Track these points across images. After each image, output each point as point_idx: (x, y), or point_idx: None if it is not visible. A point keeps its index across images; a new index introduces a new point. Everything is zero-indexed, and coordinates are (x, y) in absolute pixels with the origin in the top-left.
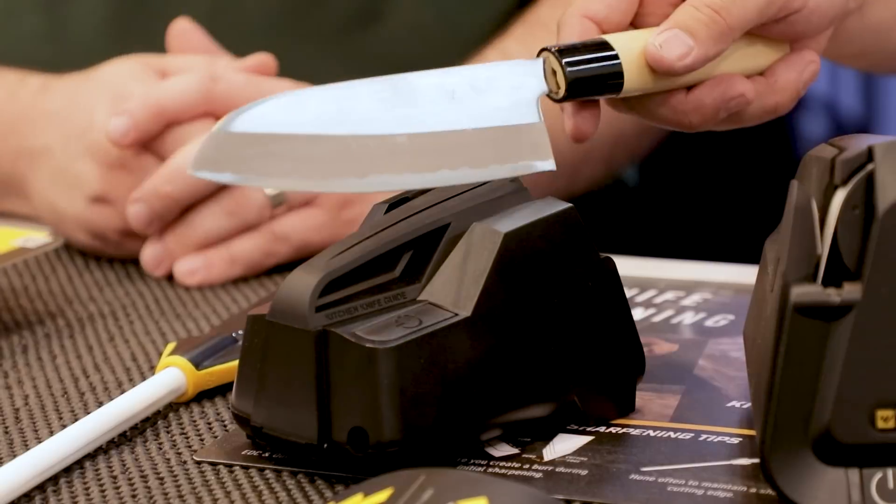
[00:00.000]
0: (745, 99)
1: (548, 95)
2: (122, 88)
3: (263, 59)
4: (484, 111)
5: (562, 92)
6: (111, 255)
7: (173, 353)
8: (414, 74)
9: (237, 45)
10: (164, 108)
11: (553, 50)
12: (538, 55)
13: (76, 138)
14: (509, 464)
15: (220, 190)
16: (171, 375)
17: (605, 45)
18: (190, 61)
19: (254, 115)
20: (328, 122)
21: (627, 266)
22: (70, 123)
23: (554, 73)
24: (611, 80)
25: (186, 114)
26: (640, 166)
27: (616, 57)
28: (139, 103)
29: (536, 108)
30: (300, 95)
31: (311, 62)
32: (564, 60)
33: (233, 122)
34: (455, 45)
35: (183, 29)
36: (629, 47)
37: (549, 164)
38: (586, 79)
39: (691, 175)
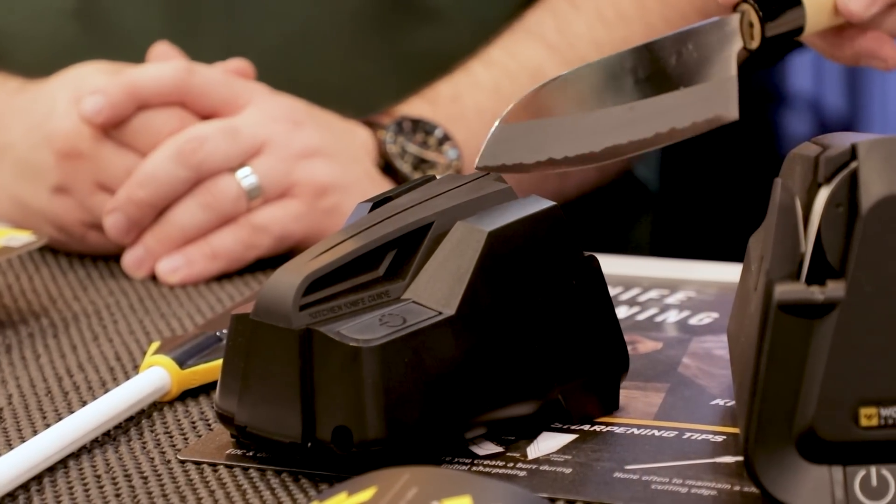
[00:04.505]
0: (884, 65)
1: (744, 46)
2: (84, 82)
3: (242, 63)
4: (690, 72)
5: (755, 44)
6: (77, 251)
7: (157, 352)
8: (636, 47)
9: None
10: (138, 89)
11: (753, 4)
12: (735, 9)
13: (35, 129)
14: (494, 462)
15: (194, 185)
16: (155, 374)
17: None
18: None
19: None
20: (576, 104)
21: (611, 264)
22: (32, 117)
23: (751, 25)
24: (797, 28)
25: (159, 98)
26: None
27: (802, 8)
28: (114, 83)
29: (733, 62)
30: (548, 87)
31: (336, 55)
32: (763, 15)
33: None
34: (475, 36)
35: (162, 52)
36: None
37: (734, 115)
38: (779, 32)
39: (675, 173)
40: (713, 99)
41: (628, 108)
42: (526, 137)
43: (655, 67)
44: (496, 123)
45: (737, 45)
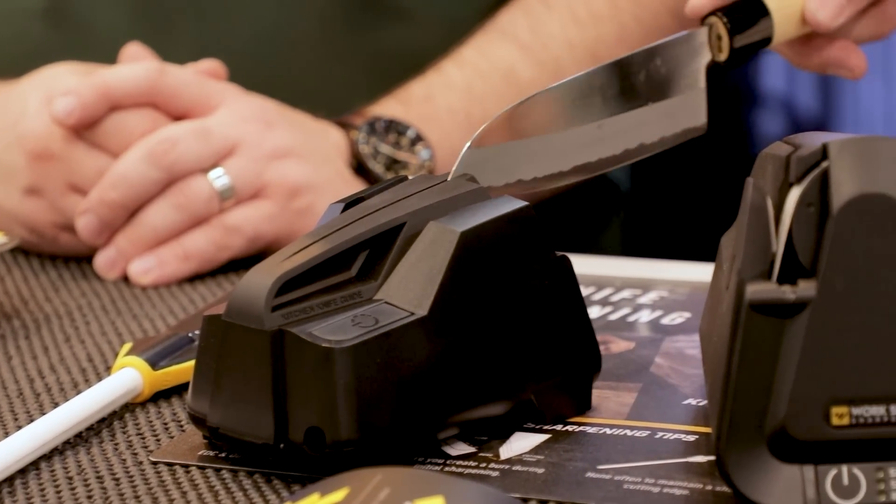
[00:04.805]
0: (851, 74)
1: (711, 59)
2: (56, 83)
3: (214, 64)
4: (658, 88)
5: (724, 56)
6: (49, 252)
7: (129, 353)
8: (603, 65)
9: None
10: (109, 90)
11: (721, 17)
12: (703, 22)
13: (7, 130)
14: (466, 462)
15: (166, 186)
16: (127, 376)
17: (762, 9)
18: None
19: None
20: (543, 125)
21: (584, 264)
22: (3, 118)
23: (719, 37)
24: (765, 39)
25: (131, 99)
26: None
27: (770, 19)
28: (86, 83)
29: (701, 76)
30: (521, 106)
31: (307, 55)
32: (731, 28)
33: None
34: (447, 35)
35: (134, 53)
36: (781, 6)
37: (703, 128)
38: (747, 43)
39: (646, 173)
40: (682, 113)
41: (597, 126)
42: (495, 160)
43: (624, 84)
44: (465, 147)
45: (705, 58)
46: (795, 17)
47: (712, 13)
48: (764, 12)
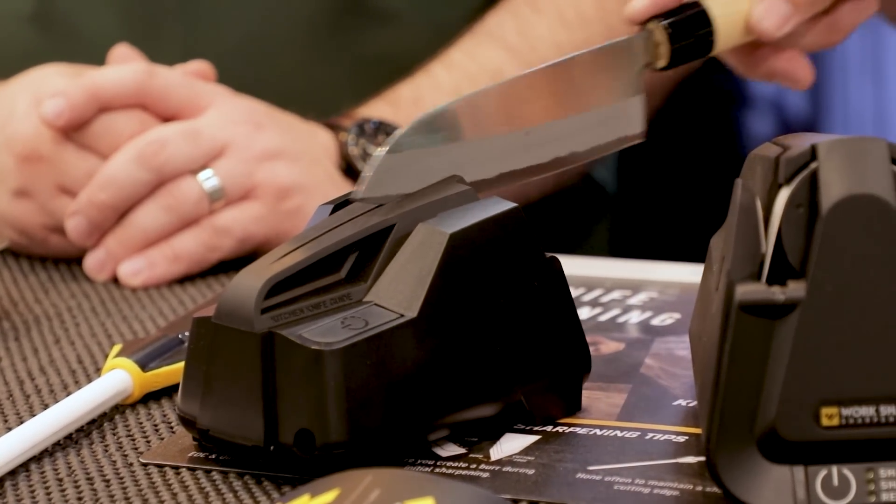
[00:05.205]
0: (798, 85)
1: (649, 65)
2: (45, 84)
3: (203, 65)
4: (593, 95)
5: (663, 63)
6: (39, 254)
7: (119, 354)
8: (533, 70)
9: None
10: (98, 92)
11: (661, 23)
12: (643, 27)
13: None
14: (456, 464)
15: (155, 188)
16: (117, 377)
17: (704, 17)
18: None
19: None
20: (465, 130)
21: (574, 265)
22: None
23: (658, 44)
24: (706, 47)
25: (120, 101)
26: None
27: (713, 27)
28: (75, 85)
29: (639, 83)
30: (436, 112)
31: (294, 58)
32: (671, 34)
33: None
34: (432, 38)
35: (123, 54)
36: (725, 13)
37: (640, 136)
38: (688, 51)
39: (634, 175)
40: (618, 120)
41: (524, 132)
42: (414, 166)
43: (555, 90)
44: (380, 152)
45: (643, 64)
46: (740, 24)
47: (652, 18)
48: (706, 20)
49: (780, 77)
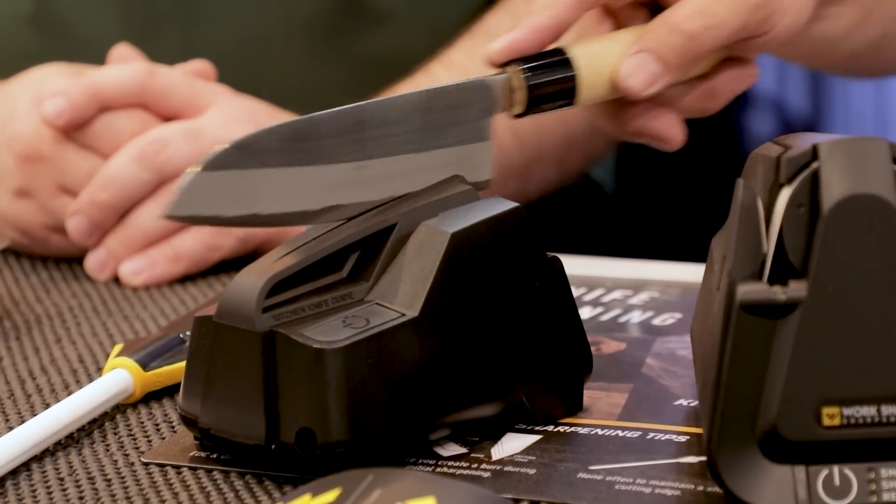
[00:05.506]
0: (667, 146)
1: (504, 110)
2: (45, 84)
3: (203, 65)
4: (437, 135)
5: (518, 110)
6: (40, 254)
7: (120, 354)
8: (371, 102)
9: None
10: (100, 91)
11: (520, 69)
12: (502, 69)
13: None
14: (458, 463)
15: (157, 187)
16: (119, 377)
17: (567, 66)
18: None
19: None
20: (291, 156)
21: (575, 265)
22: None
23: (515, 90)
24: (568, 98)
25: (120, 100)
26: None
27: (574, 76)
28: (76, 85)
29: (488, 128)
30: (261, 133)
31: (292, 59)
32: (529, 83)
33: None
34: (430, 39)
35: (123, 54)
36: (591, 65)
37: (484, 184)
38: (546, 100)
39: (632, 175)
40: (463, 164)
41: (357, 166)
42: (230, 187)
43: (397, 124)
44: (192, 171)
45: (497, 108)
46: (606, 78)
47: (513, 62)
48: (569, 70)
49: (650, 138)
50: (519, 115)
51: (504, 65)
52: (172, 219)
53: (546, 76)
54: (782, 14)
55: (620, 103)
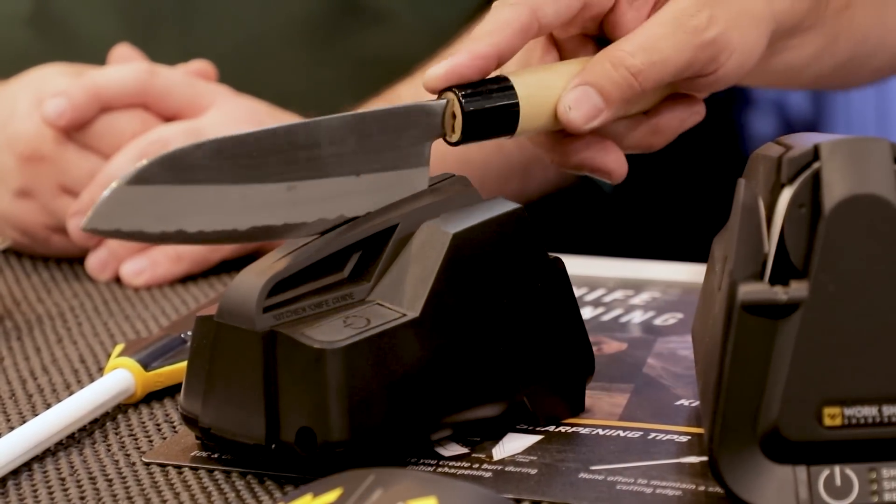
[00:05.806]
0: (609, 178)
1: (441, 136)
2: (46, 84)
3: (204, 65)
4: (373, 158)
5: (455, 137)
6: (41, 254)
7: (122, 354)
8: (304, 122)
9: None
10: (101, 91)
11: (458, 95)
12: (440, 96)
13: None
14: (459, 463)
15: None
16: (120, 377)
17: (509, 95)
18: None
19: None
20: (220, 173)
21: (576, 265)
22: None
23: (454, 115)
24: (508, 126)
25: (121, 100)
26: None
27: (515, 105)
28: (76, 85)
29: (426, 154)
30: (190, 148)
31: (292, 60)
32: (466, 111)
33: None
34: (430, 39)
35: (123, 54)
36: (532, 94)
37: None
38: (483, 128)
39: (637, 172)
40: (398, 189)
41: (288, 186)
42: (155, 203)
43: (334, 145)
44: (115, 184)
45: (436, 133)
46: (549, 109)
47: (451, 88)
48: (511, 99)
49: (592, 171)
50: (456, 143)
51: (446, 90)
52: (92, 232)
53: (483, 103)
54: (730, 53)
55: (563, 135)
